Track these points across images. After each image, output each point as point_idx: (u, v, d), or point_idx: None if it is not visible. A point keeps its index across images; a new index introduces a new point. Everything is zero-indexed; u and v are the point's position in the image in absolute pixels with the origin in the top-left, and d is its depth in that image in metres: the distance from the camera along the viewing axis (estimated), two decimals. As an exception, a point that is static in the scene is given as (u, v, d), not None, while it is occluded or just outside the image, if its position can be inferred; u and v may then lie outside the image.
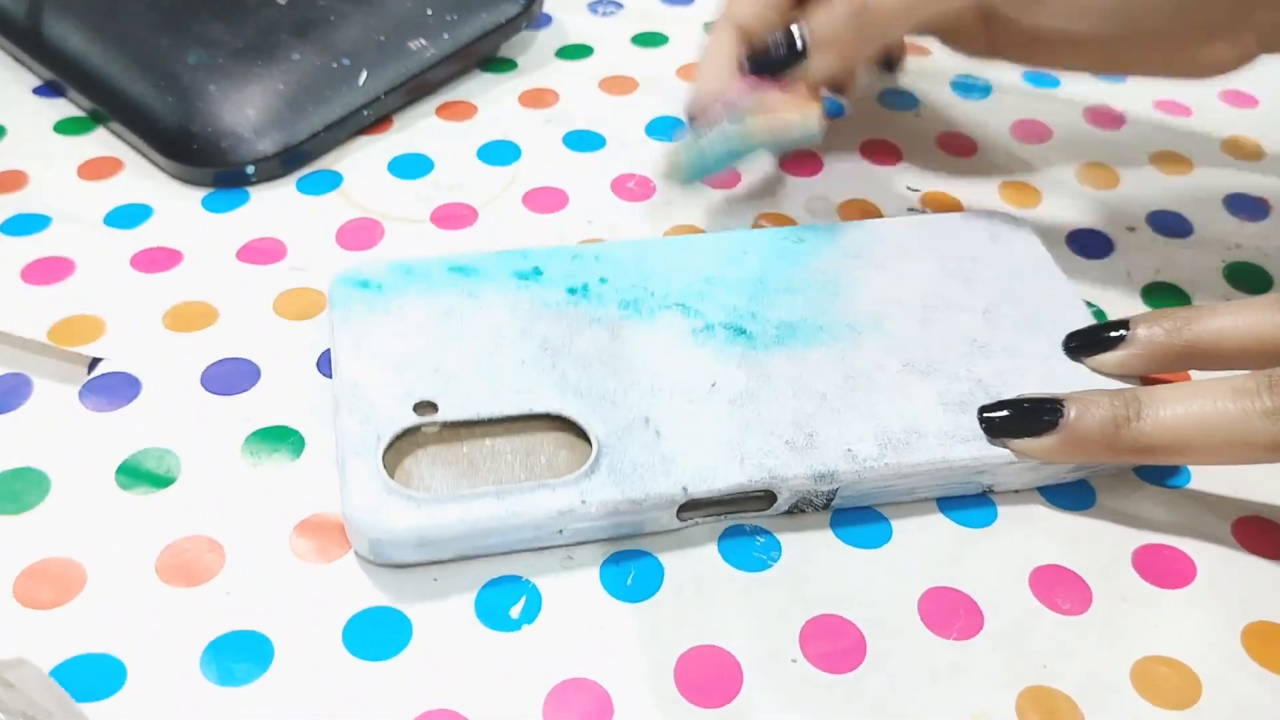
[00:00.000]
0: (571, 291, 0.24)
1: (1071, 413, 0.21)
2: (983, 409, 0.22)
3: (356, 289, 0.24)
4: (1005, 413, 0.22)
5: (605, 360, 0.23)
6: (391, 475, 0.21)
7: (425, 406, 0.22)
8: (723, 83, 0.25)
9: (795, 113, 0.24)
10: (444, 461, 0.21)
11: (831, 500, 0.22)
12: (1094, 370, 0.23)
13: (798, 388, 0.23)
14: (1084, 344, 0.24)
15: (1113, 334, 0.23)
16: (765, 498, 0.22)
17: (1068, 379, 0.23)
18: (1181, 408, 0.21)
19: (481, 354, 0.23)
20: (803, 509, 0.22)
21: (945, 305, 0.25)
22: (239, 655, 0.20)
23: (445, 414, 0.22)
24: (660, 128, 0.32)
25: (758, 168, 0.30)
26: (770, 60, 0.25)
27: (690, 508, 0.21)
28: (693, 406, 0.22)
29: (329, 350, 0.25)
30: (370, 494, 0.20)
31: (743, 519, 0.22)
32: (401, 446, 0.21)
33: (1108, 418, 0.21)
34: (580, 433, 0.22)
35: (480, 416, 0.22)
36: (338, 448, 0.21)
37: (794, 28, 0.25)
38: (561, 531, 0.21)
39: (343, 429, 0.21)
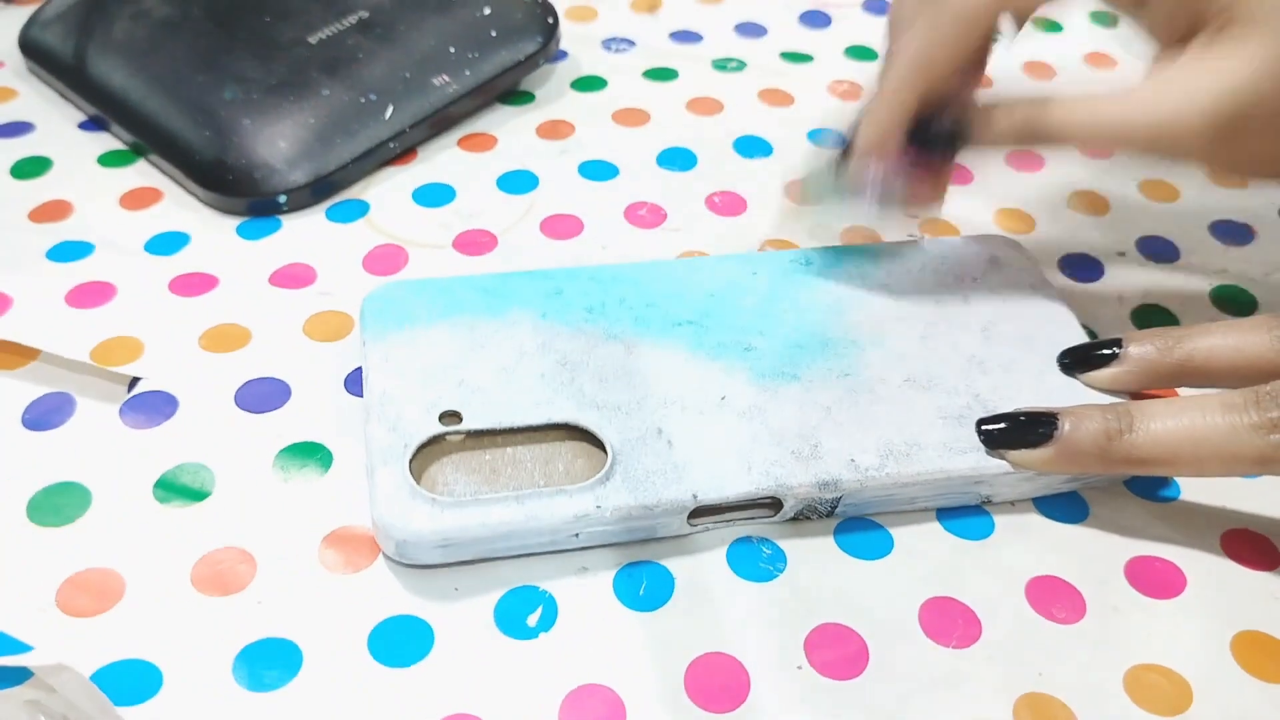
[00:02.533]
0: (589, 310, 0.25)
1: (1066, 425, 0.22)
2: (981, 421, 0.23)
3: (386, 306, 0.25)
4: (1002, 425, 0.23)
5: (621, 375, 0.24)
6: (418, 481, 0.22)
7: (450, 416, 0.23)
8: (887, 147, 0.24)
9: (901, 232, 0.25)
10: (467, 468, 0.22)
11: (835, 508, 0.23)
12: (1087, 386, 0.24)
13: (803, 401, 0.23)
14: (1078, 360, 0.24)
15: (1106, 351, 0.24)
16: (772, 505, 0.22)
17: (1062, 394, 0.24)
18: (1172, 421, 0.21)
19: (504, 368, 0.24)
20: (808, 516, 0.23)
21: (945, 323, 0.25)
22: (269, 662, 0.20)
23: (469, 423, 0.22)
24: (670, 158, 0.32)
25: (763, 197, 0.31)
26: (936, 140, 0.24)
27: (700, 514, 0.22)
28: (703, 418, 0.23)
29: (356, 370, 0.25)
30: (397, 498, 0.21)
31: (750, 526, 0.23)
32: (427, 454, 0.22)
33: (1100, 430, 0.22)
34: (596, 442, 0.22)
35: (502, 426, 0.22)
36: (367, 455, 0.22)
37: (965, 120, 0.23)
38: (577, 535, 0.22)
39: (372, 438, 0.22)
